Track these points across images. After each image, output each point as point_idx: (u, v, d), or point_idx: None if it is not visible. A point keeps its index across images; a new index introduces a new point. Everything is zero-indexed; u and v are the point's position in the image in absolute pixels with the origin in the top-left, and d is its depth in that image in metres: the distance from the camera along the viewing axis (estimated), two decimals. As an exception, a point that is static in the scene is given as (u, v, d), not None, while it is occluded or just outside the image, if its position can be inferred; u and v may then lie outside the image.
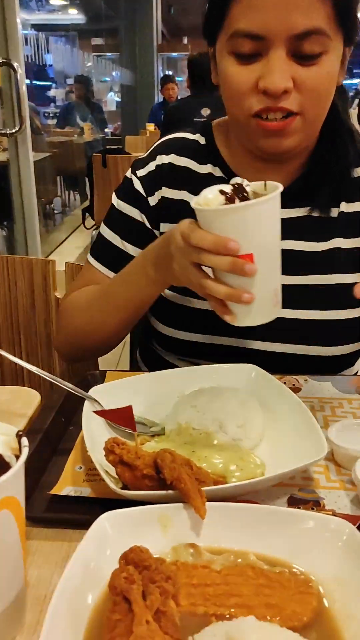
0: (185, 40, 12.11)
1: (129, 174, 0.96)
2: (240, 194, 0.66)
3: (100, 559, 0.50)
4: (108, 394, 0.79)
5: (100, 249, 0.98)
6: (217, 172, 0.93)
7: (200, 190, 0.89)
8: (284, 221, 0.89)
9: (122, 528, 0.53)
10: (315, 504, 0.62)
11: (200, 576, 0.50)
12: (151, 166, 0.94)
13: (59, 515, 0.62)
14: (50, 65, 9.86)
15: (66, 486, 0.66)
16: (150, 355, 1.03)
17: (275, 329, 0.89)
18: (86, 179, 4.36)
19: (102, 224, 0.98)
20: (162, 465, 0.58)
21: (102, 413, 0.71)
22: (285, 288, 0.88)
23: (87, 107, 7.65)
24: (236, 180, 0.69)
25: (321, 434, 0.65)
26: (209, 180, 0.93)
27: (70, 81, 8.72)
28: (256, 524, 0.54)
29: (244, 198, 0.66)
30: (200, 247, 0.65)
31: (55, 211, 6.51)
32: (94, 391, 0.78)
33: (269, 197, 0.64)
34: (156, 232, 0.95)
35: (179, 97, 6.28)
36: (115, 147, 4.49)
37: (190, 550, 0.53)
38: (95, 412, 0.71)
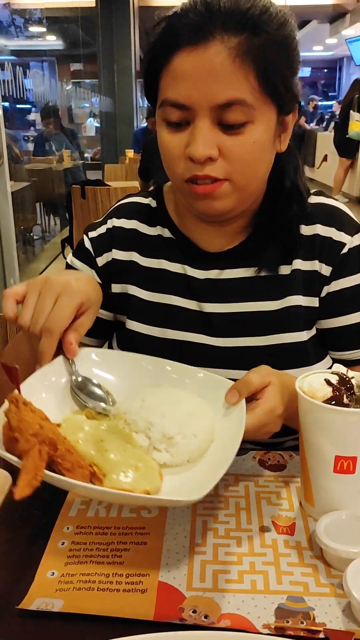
0: (163, 66, 12.22)
1: (85, 233, 0.99)
2: (345, 385, 0.69)
3: None
4: (104, 359, 0.80)
5: None
6: (166, 233, 0.95)
7: (150, 250, 0.95)
8: (233, 282, 0.91)
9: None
10: (305, 617, 0.58)
11: None
12: (102, 229, 0.97)
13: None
14: (30, 90, 9.89)
15: (37, 597, 0.61)
16: None
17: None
18: (66, 209, 4.32)
19: None
20: (19, 435, 0.58)
21: (2, 365, 0.67)
22: (237, 350, 0.89)
23: (63, 135, 7.65)
24: (339, 369, 0.72)
25: (214, 480, 0.60)
26: (157, 241, 0.95)
27: (50, 104, 8.72)
28: (242, 656, 0.50)
29: (350, 391, 0.69)
30: None
31: (35, 237, 6.47)
32: (88, 352, 0.79)
33: None
34: (110, 291, 0.96)
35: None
36: (94, 178, 4.45)
37: None
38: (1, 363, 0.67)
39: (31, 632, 0.57)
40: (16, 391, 0.65)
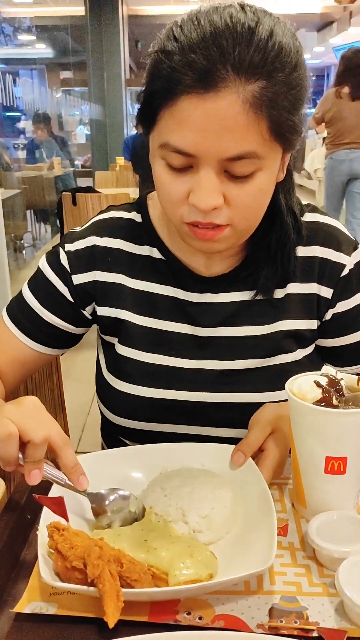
0: (153, 74, 12.27)
1: (61, 243, 0.93)
2: (334, 387, 0.70)
3: None
4: (95, 463, 0.77)
5: (17, 309, 0.94)
6: (155, 254, 0.91)
7: (139, 271, 0.91)
8: (228, 306, 0.89)
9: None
10: (299, 616, 0.59)
11: None
12: (80, 244, 0.91)
13: (23, 643, 0.57)
14: (19, 98, 9.91)
15: (31, 601, 0.61)
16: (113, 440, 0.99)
17: (219, 415, 0.88)
18: (56, 216, 4.34)
19: (25, 284, 0.95)
20: (86, 561, 0.57)
21: (39, 498, 0.67)
22: (232, 373, 0.88)
23: (54, 143, 7.66)
24: (329, 371, 0.73)
25: (273, 544, 0.61)
26: (146, 261, 0.90)
27: (40, 112, 8.72)
28: (236, 655, 0.50)
29: (339, 392, 0.69)
30: None
31: (26, 245, 6.47)
32: (82, 458, 0.75)
33: None
34: (84, 312, 0.92)
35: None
36: (85, 185, 4.46)
37: None
38: (35, 495, 0.67)
39: (27, 635, 0.57)
40: (60, 521, 0.64)
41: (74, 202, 3.68)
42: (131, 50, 10.89)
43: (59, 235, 4.25)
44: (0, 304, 3.72)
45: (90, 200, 3.64)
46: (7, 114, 9.44)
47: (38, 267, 0.94)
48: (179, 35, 0.67)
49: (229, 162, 0.70)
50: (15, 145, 9.19)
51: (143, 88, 0.73)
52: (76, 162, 9.61)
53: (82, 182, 7.35)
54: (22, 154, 8.40)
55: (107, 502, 0.72)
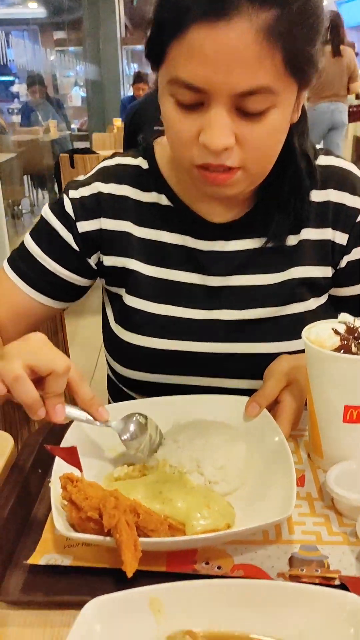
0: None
1: (65, 190, 0.90)
2: (353, 334, 0.67)
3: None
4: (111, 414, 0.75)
5: (18, 259, 0.90)
6: (163, 201, 0.87)
7: (146, 219, 0.88)
8: (239, 255, 0.87)
9: (110, 618, 0.47)
10: (319, 564, 0.57)
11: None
12: (85, 191, 0.87)
13: (38, 596, 0.55)
14: (12, 61, 9.64)
15: (45, 553, 0.60)
16: (118, 394, 0.98)
17: (231, 366, 0.86)
18: (54, 179, 4.26)
19: (27, 234, 0.91)
20: (102, 511, 0.56)
21: (52, 448, 0.66)
22: (244, 322, 0.86)
23: (49, 105, 7.48)
24: (346, 318, 0.70)
25: (293, 492, 0.60)
26: (154, 209, 0.87)
27: (33, 74, 8.47)
28: (260, 602, 0.49)
29: (358, 340, 0.67)
30: None
31: (24, 211, 6.38)
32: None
33: None
34: (89, 260, 0.89)
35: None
36: (83, 147, 4.37)
37: (187, 639, 0.48)
38: (47, 445, 0.66)
39: (42, 587, 0.56)
40: (73, 472, 0.63)
41: (72, 164, 3.61)
42: (126, 8, 10.54)
43: (57, 200, 4.21)
44: None
45: (88, 162, 3.58)
46: (0, 77, 9.20)
47: (41, 216, 0.91)
48: None
49: (241, 98, 0.66)
50: (10, 110, 8.98)
51: (150, 18, 0.69)
52: (72, 126, 9.41)
53: (79, 145, 7.20)
54: (16, 118, 8.21)
55: (131, 428, 0.72)
